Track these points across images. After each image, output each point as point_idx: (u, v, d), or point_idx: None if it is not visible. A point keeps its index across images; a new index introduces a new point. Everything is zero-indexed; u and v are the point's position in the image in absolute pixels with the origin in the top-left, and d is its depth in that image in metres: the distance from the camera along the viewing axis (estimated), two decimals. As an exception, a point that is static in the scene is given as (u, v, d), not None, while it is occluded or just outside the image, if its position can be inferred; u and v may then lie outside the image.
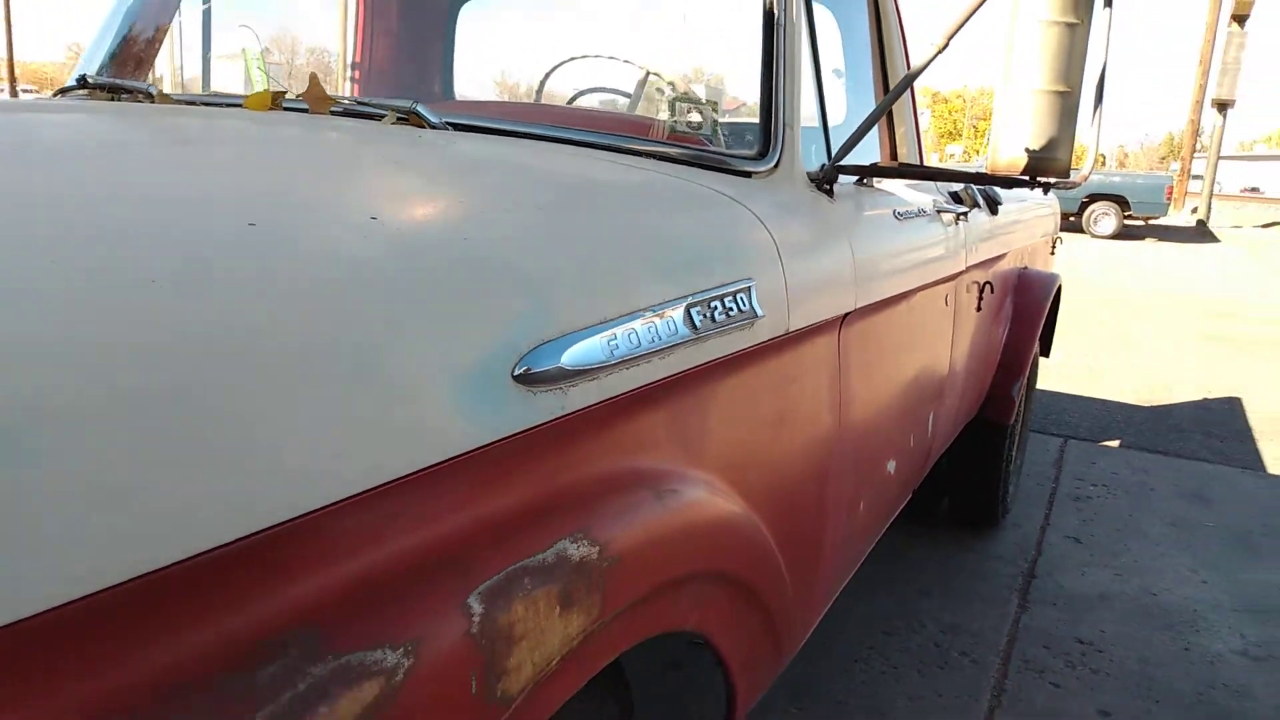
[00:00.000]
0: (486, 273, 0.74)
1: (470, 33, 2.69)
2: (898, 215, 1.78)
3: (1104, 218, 16.40)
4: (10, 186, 0.72)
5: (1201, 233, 18.56)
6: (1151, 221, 17.37)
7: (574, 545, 0.74)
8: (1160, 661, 2.57)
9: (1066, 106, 1.53)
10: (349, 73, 2.65)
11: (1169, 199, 16.78)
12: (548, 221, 0.87)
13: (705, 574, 0.99)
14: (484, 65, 2.76)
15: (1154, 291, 10.29)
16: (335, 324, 0.61)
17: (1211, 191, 20.35)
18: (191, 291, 0.57)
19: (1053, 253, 4.06)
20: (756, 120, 1.46)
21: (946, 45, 1.55)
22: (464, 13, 2.71)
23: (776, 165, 1.41)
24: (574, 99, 1.92)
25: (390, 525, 0.62)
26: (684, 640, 1.10)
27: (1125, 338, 7.41)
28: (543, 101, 1.99)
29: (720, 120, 1.44)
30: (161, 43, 2.19)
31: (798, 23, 1.50)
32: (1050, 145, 1.53)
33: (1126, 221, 16.56)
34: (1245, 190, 43.62)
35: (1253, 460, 4.52)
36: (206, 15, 2.28)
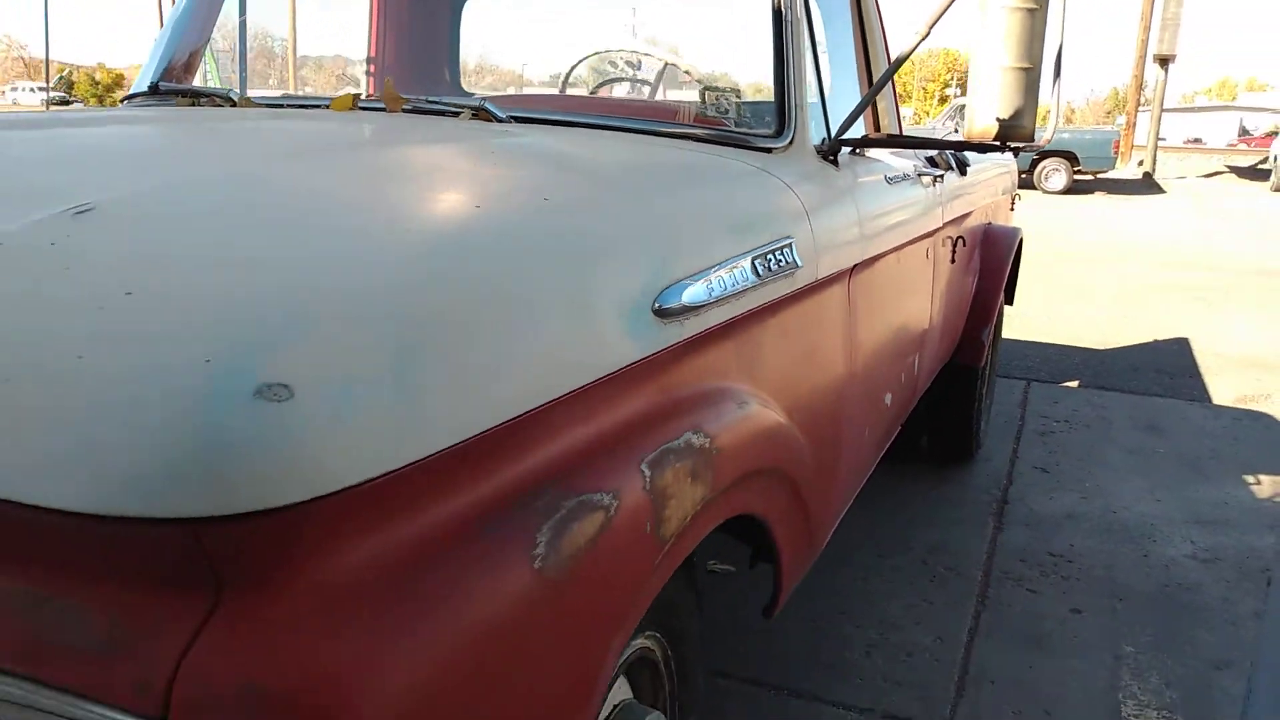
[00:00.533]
0: (631, 236, 1.00)
1: (478, 27, 2.91)
2: (888, 179, 2.05)
3: (1054, 173, 16.84)
4: (283, 185, 0.96)
5: (1148, 184, 19.11)
6: (1100, 175, 17.86)
7: (695, 436, 1.00)
8: (1122, 567, 2.90)
9: (1030, 80, 1.80)
10: (366, 68, 2.86)
11: (1116, 153, 17.28)
12: (648, 197, 1.13)
13: (767, 470, 1.26)
14: (494, 57, 2.98)
15: (1105, 243, 10.71)
16: (560, 275, 0.88)
17: (1156, 144, 20.91)
18: (489, 254, 0.83)
19: (1012, 209, 4.37)
20: (769, 101, 1.72)
21: (929, 33, 1.82)
22: (468, 8, 2.92)
23: (791, 141, 1.67)
24: (597, 88, 2.16)
25: (594, 410, 0.88)
26: (743, 543, 1.37)
27: (1080, 287, 7.79)
28: (568, 90, 2.23)
29: (740, 103, 1.70)
30: (203, 52, 2.39)
31: (801, 17, 1.76)
32: (1017, 114, 1.80)
33: (1076, 176, 17.02)
34: (1188, 141, 44.59)
35: (1200, 394, 4.90)
36: (242, 26, 2.48)
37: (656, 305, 0.99)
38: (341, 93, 1.71)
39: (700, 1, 2.01)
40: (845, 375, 1.71)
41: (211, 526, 0.59)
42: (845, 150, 1.96)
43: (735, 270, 1.16)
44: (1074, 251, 9.76)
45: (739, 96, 1.68)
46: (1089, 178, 17.95)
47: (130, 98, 2.11)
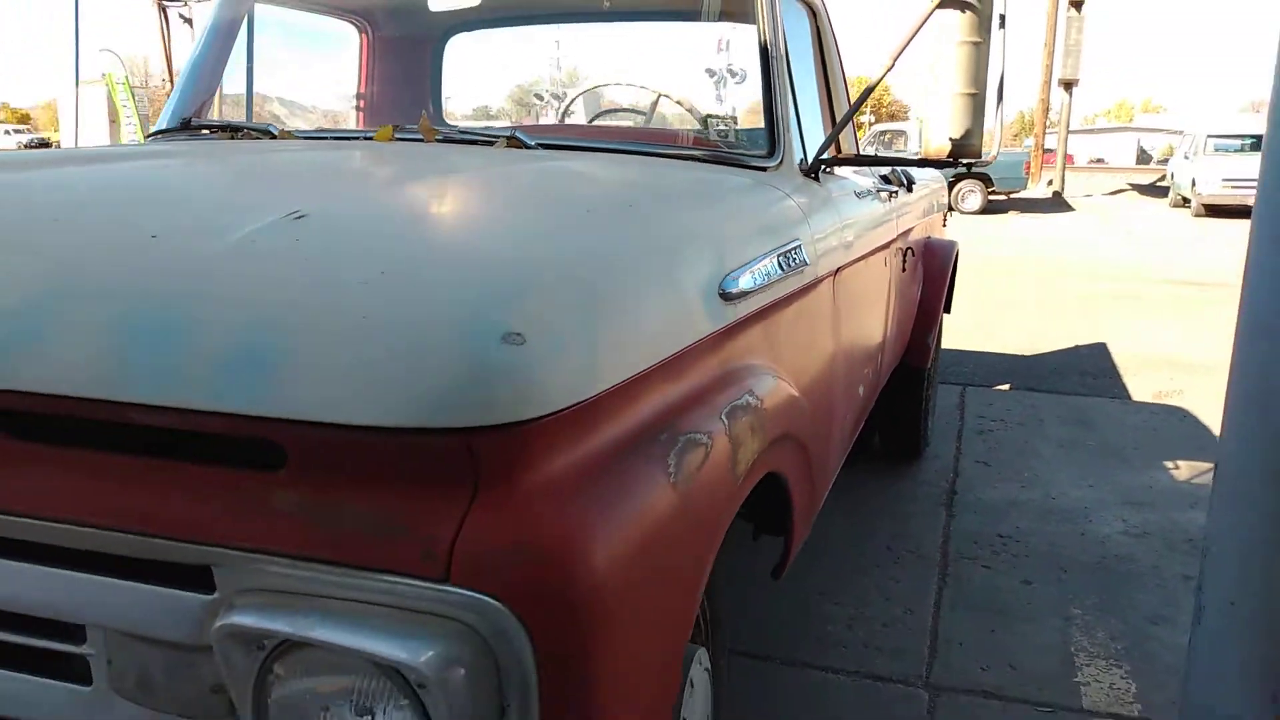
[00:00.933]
0: (698, 233, 1.23)
1: (458, 61, 3.11)
2: (856, 194, 2.31)
3: (970, 194, 17.57)
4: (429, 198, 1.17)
5: (1058, 203, 20.03)
6: (1013, 195, 18.68)
7: (750, 398, 1.22)
8: (1064, 544, 3.19)
9: (976, 104, 2.08)
10: (355, 103, 3.04)
11: (1027, 173, 18.11)
12: (697, 204, 1.36)
13: (790, 434, 1.48)
14: (471, 90, 3.18)
15: (1023, 258, 11.26)
16: (663, 262, 1.10)
17: (1064, 164, 21.92)
18: (626, 244, 1.05)
19: (944, 224, 4.70)
20: (760, 128, 1.96)
21: (893, 65, 2.08)
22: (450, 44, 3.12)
23: (781, 161, 1.91)
24: (595, 118, 2.39)
25: (687, 370, 1.10)
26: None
27: (1003, 300, 8.23)
28: (567, 121, 2.45)
29: (734, 128, 1.93)
30: (217, 89, 2.55)
31: (783, 54, 2.01)
32: (967, 134, 2.07)
33: (990, 197, 17.78)
34: (1092, 161, 46.55)
35: (1120, 391, 5.29)
36: (250, 66, 2.65)
37: (721, 289, 1.21)
38: (382, 127, 1.90)
39: (692, 38, 2.25)
40: (832, 363, 1.95)
41: (473, 435, 0.79)
42: (821, 168, 2.22)
43: (768, 264, 1.38)
44: (995, 267, 10.26)
45: (735, 123, 1.92)
46: (1003, 198, 18.75)
47: (158, 133, 2.26)
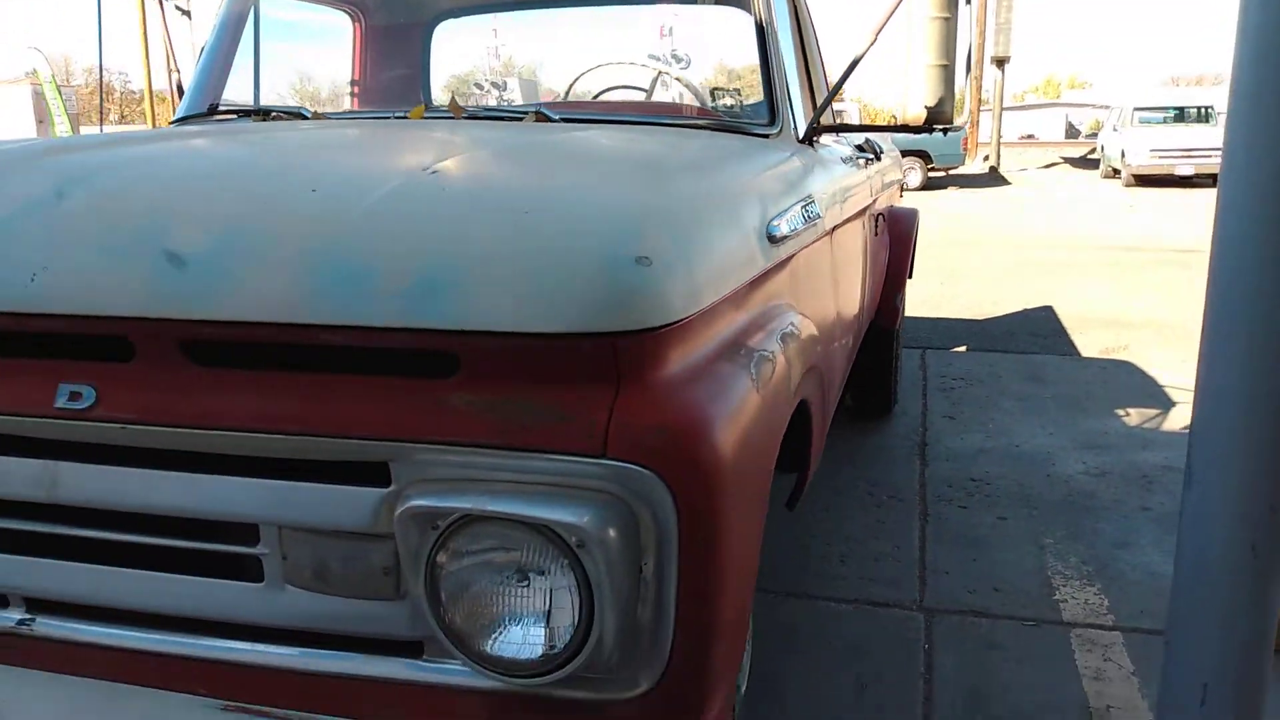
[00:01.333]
0: (746, 184, 1.40)
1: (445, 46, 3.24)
2: (843, 160, 2.50)
3: (911, 171, 17.95)
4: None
5: (994, 177, 20.56)
6: (951, 171, 19.15)
7: (792, 328, 1.39)
8: (1032, 485, 3.44)
9: (947, 74, 2.27)
10: (350, 89, 3.16)
11: (965, 150, 18.57)
12: (735, 161, 1.53)
13: (815, 367, 1.66)
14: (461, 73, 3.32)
15: (966, 230, 11.62)
16: (730, 206, 1.27)
17: (999, 140, 22.49)
18: (704, 191, 1.23)
19: (901, 195, 4.94)
20: (761, 100, 2.14)
21: (875, 40, 2.27)
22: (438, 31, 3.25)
23: (780, 129, 2.09)
24: (600, 94, 2.55)
25: (752, 300, 1.27)
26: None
27: (952, 269, 8.53)
28: (570, 98, 2.61)
29: (740, 100, 2.11)
30: (228, 75, 2.66)
31: (777, 30, 2.19)
32: (940, 102, 2.26)
33: (930, 173, 18.22)
34: (1023, 137, 47.63)
35: (1069, 349, 5.58)
36: (257, 55, 2.75)
37: (768, 233, 1.38)
38: (415, 106, 2.04)
39: (695, 19, 2.43)
40: (832, 313, 2.14)
41: (616, 338, 0.95)
42: (813, 136, 2.41)
43: (796, 214, 1.56)
44: (941, 239, 10.58)
45: (741, 95, 2.10)
46: (942, 174, 19.21)
47: (184, 119, 2.37)
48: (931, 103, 2.25)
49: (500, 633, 0.98)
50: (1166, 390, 4.66)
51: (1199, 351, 1.20)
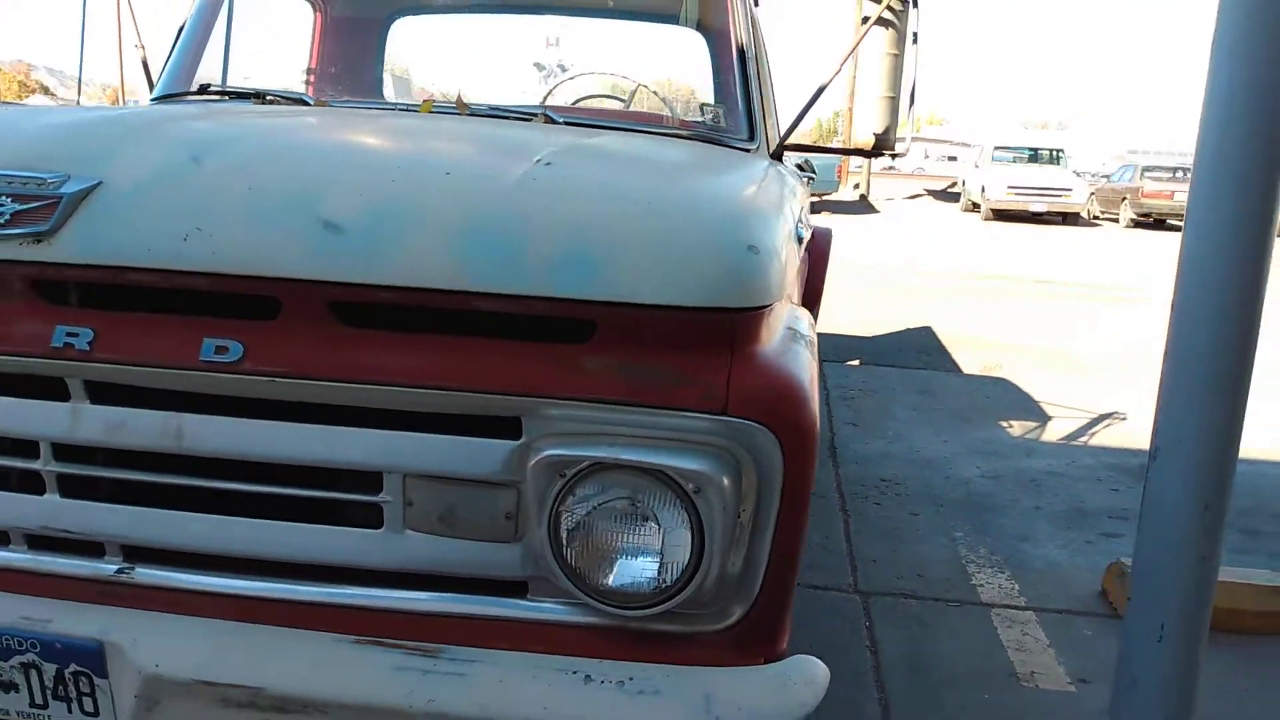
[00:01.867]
0: (784, 193, 1.57)
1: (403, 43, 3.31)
2: (797, 176, 2.71)
3: (788, 194, 18.69)
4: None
5: (865, 205, 21.54)
6: (825, 198, 19.97)
7: (799, 319, 1.58)
8: (935, 485, 3.74)
9: (893, 105, 2.52)
10: (306, 77, 3.19)
11: (839, 178, 19.42)
12: (770, 176, 1.71)
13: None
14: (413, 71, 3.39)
15: (845, 253, 12.17)
16: (786, 212, 1.44)
17: (870, 170, 23.56)
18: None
19: (814, 212, 5.24)
20: (736, 115, 2.33)
21: (840, 69, 2.49)
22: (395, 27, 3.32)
23: (758, 145, 2.28)
24: (578, 101, 2.68)
25: (791, 291, 1.44)
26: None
27: (841, 290, 8.96)
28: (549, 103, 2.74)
29: (722, 114, 2.29)
30: (200, 60, 2.68)
31: (754, 54, 2.38)
32: (886, 130, 2.51)
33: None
34: (885, 169, 49.90)
35: (951, 365, 6.01)
36: (228, 42, 2.77)
37: (798, 235, 1.56)
38: (425, 100, 2.13)
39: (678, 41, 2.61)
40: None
41: (731, 314, 1.11)
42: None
43: (801, 221, 1.75)
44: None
45: (723, 109, 2.28)
46: (816, 200, 20.01)
47: (166, 97, 2.38)
48: (879, 130, 2.49)
49: (617, 569, 1.12)
50: (1042, 405, 5.10)
51: (1167, 331, 1.44)
